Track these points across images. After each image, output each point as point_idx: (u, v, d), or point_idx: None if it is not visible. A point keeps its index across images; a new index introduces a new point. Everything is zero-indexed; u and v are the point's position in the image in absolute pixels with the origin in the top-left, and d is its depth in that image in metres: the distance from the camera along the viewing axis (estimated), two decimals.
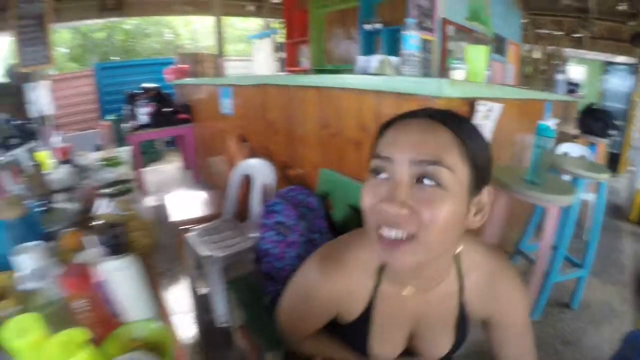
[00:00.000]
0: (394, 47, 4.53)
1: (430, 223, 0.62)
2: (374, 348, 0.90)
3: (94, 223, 1.30)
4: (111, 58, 12.06)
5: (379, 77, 1.86)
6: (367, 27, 4.69)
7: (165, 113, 4.29)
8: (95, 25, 11.55)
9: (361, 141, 1.87)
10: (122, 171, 2.36)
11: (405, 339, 0.90)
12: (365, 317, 0.87)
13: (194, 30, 14.55)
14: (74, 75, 7.32)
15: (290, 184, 2.17)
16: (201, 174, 4.62)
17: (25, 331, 0.82)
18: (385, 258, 0.67)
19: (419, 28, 3.09)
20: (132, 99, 4.40)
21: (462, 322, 0.87)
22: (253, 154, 2.71)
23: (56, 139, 2.47)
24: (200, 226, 2.20)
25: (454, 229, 0.67)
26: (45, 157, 2.74)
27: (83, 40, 12.65)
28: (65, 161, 2.40)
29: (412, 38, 1.88)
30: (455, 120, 0.68)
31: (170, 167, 5.86)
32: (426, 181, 0.63)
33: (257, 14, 8.07)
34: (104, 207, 1.47)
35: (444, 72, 3.53)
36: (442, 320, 0.87)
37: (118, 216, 1.39)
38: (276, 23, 8.01)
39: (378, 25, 4.61)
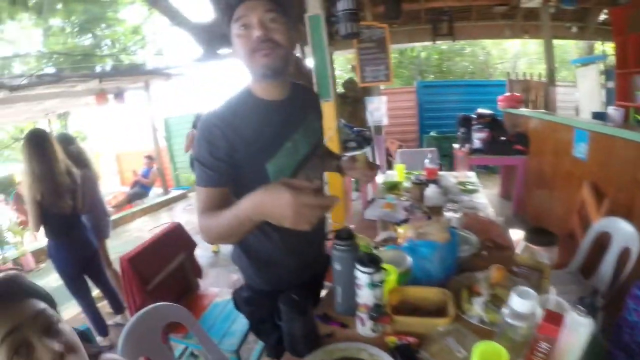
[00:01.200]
0: None
1: None
2: None
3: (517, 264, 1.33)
4: (425, 75, 12.93)
5: None
6: None
7: (499, 141, 4.24)
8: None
9: None
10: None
11: None
12: None
13: (504, 50, 14.21)
14: (400, 90, 8.18)
15: None
16: (523, 208, 4.39)
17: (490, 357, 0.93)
18: None
19: None
20: (466, 122, 4.54)
21: None
22: (611, 209, 2.40)
23: (427, 160, 2.68)
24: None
25: None
26: (402, 169, 3.06)
27: (401, 58, 13.97)
28: (433, 181, 2.57)
29: None
30: None
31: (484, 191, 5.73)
32: None
33: (580, 36, 7.18)
34: (522, 250, 1.48)
35: None
36: None
37: (538, 263, 1.37)
38: (602, 45, 7.02)
39: None
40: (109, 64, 11.08)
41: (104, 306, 3.35)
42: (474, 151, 4.22)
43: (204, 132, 1.15)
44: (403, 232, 1.65)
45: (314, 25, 2.98)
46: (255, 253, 1.35)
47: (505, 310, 1.08)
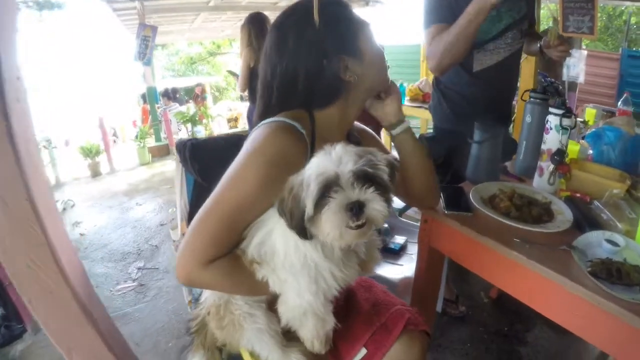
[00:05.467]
0: None
1: None
2: None
3: None
4: (633, 46, 11.35)
5: None
6: None
7: None
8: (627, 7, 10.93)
9: None
10: None
11: None
12: None
13: None
14: (602, 55, 7.39)
15: None
16: None
17: None
18: None
19: None
20: None
21: None
22: None
23: (621, 101, 2.64)
24: None
25: None
26: (593, 113, 3.00)
27: (607, 22, 12.46)
28: None
29: None
30: None
31: None
32: None
33: None
34: None
35: None
36: None
37: None
38: None
39: None
40: None
41: None
42: None
43: None
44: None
45: None
46: (450, 86, 1.79)
47: None
